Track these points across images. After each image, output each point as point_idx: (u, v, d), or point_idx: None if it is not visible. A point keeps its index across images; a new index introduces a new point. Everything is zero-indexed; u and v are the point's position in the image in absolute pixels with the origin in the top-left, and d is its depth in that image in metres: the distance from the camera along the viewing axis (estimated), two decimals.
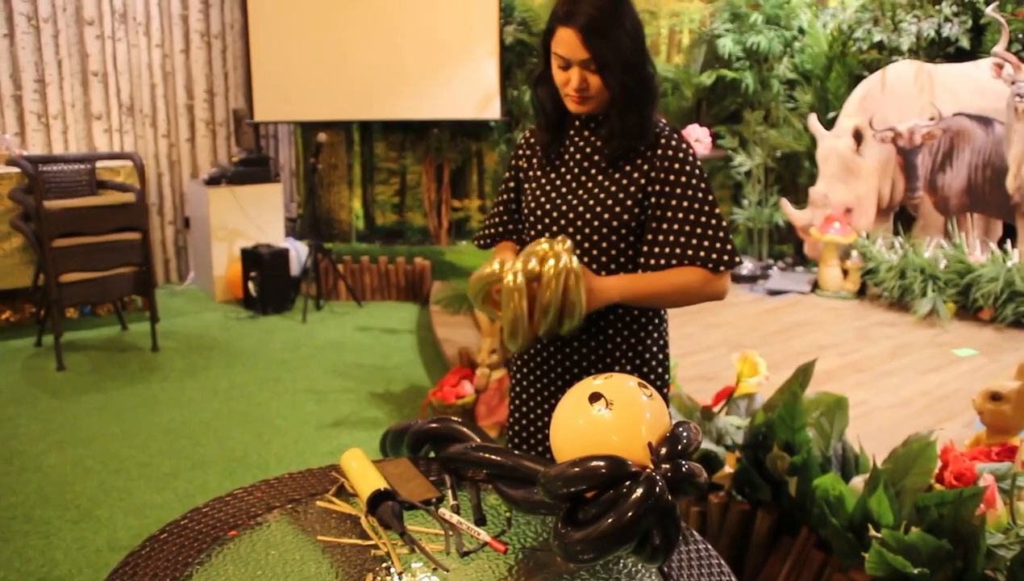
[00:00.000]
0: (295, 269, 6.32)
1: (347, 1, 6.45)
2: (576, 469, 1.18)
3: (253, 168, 6.45)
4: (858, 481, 2.39)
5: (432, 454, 1.71)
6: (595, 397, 1.24)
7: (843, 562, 2.24)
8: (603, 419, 1.22)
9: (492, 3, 6.49)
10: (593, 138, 1.85)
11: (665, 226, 1.78)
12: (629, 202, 1.79)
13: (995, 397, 2.66)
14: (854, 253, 5.85)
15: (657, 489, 1.12)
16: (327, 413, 4.31)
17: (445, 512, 1.44)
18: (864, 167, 5.93)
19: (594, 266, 1.81)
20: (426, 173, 7.18)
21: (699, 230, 1.77)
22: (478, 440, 1.62)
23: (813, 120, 6.10)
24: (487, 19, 6.51)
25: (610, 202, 1.80)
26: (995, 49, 5.26)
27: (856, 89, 6.07)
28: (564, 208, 1.83)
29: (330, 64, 6.50)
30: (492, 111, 6.67)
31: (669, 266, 1.78)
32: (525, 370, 1.96)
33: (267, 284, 6.06)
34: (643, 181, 1.79)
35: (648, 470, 1.16)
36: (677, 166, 1.79)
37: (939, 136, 5.65)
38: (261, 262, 6.02)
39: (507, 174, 2.02)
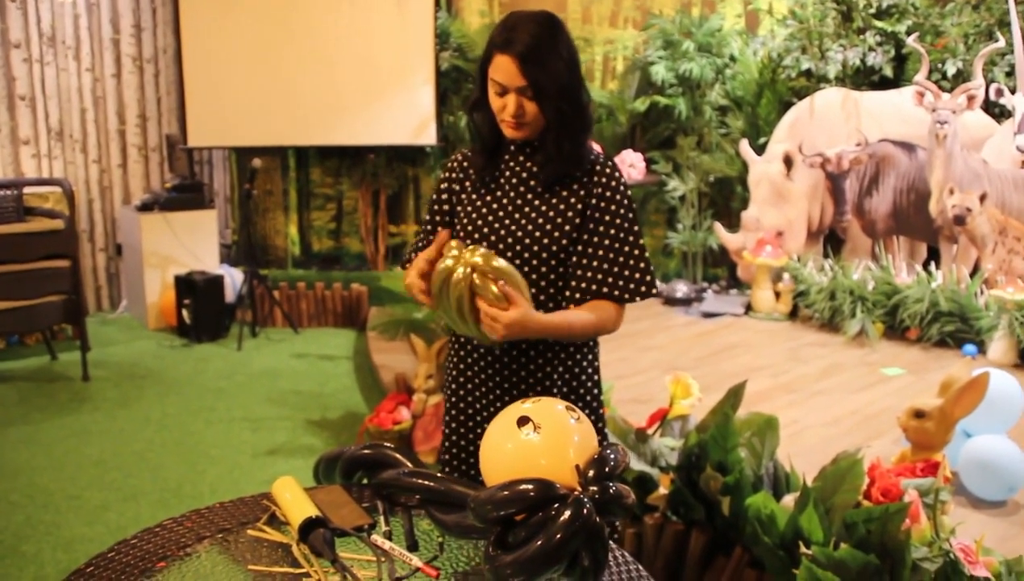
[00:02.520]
0: (230, 296, 6.24)
1: (283, 26, 6.43)
2: (505, 493, 1.19)
3: (187, 194, 6.36)
4: (789, 499, 2.44)
5: (364, 480, 1.70)
6: (523, 421, 1.25)
7: (776, 579, 2.27)
8: (531, 443, 1.23)
9: (428, 29, 6.53)
10: (529, 164, 1.87)
11: (591, 251, 1.82)
12: (567, 227, 1.82)
13: (918, 415, 2.73)
14: (786, 276, 5.97)
15: (585, 511, 1.14)
16: (263, 441, 4.25)
17: (377, 538, 1.43)
18: (794, 191, 6.07)
19: (532, 289, 1.82)
20: (362, 199, 7.16)
21: (620, 260, 1.82)
22: (410, 466, 1.62)
23: (744, 145, 6.23)
24: (423, 45, 6.55)
25: (548, 227, 1.82)
26: (916, 78, 5.44)
27: (786, 115, 6.23)
28: (502, 232, 1.85)
29: (265, 89, 6.46)
30: (428, 137, 6.69)
31: (587, 292, 1.82)
32: (461, 393, 1.96)
33: (201, 311, 5.97)
34: (579, 206, 1.82)
35: (576, 492, 1.17)
36: (609, 194, 1.83)
37: (865, 161, 5.81)
38: (195, 289, 5.94)
39: (436, 196, 2.01)
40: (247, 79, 6.43)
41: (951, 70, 5.72)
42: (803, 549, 2.13)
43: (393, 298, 6.26)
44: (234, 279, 6.36)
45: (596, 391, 1.96)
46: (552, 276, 1.84)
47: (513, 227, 1.85)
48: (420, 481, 1.54)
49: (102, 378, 5.14)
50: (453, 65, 6.76)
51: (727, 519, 2.52)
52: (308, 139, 6.69)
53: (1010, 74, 5.65)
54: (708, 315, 6.07)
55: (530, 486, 1.17)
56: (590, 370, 1.94)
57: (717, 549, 2.57)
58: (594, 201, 1.82)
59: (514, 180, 1.89)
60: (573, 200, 1.83)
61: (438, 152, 6.93)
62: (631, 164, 6.49)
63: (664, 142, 6.90)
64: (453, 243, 1.70)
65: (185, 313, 5.98)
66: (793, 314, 5.94)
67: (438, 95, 6.61)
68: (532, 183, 1.87)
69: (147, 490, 3.70)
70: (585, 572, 1.18)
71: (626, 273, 1.82)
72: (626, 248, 1.83)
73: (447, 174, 2.00)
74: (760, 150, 6.27)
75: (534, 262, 1.83)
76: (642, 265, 1.83)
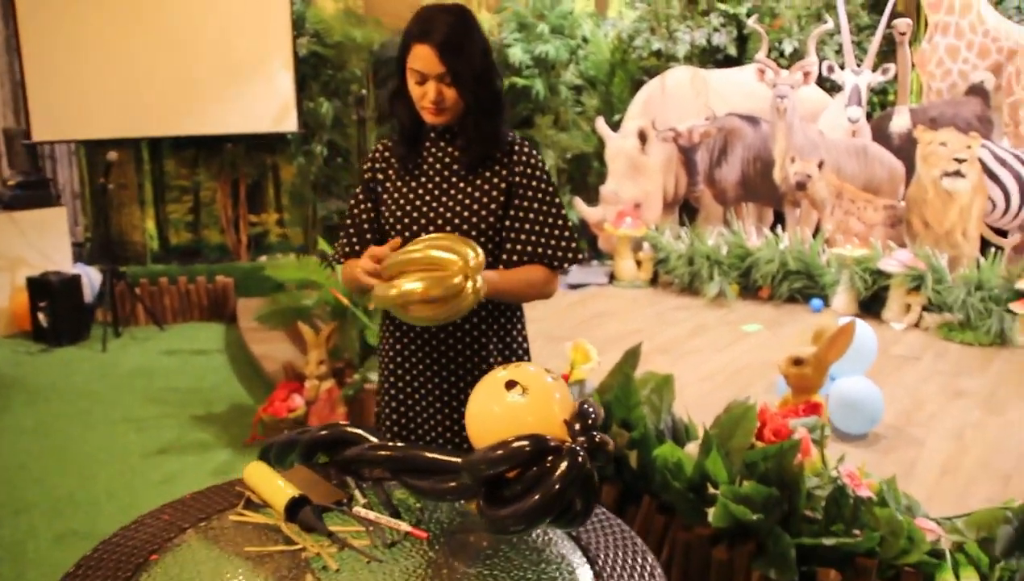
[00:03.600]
0: (88, 296, 6.01)
1: (132, 11, 6.20)
2: (499, 451, 1.30)
3: (32, 192, 6.07)
4: (692, 447, 2.65)
5: (323, 460, 1.77)
6: (511, 385, 1.36)
7: (687, 521, 2.48)
8: (519, 404, 1.35)
9: (284, 14, 6.44)
10: (450, 149, 1.97)
11: (518, 225, 1.95)
12: (493, 206, 1.93)
13: (797, 362, 3.01)
14: (645, 245, 6.28)
15: (579, 459, 1.26)
16: (150, 441, 4.17)
17: (360, 510, 1.52)
18: (649, 165, 6.38)
19: None
20: (221, 189, 7.02)
21: (547, 230, 1.95)
22: (373, 440, 1.70)
23: (600, 123, 6.49)
24: (279, 31, 6.46)
25: (476, 207, 1.93)
26: (757, 56, 5.84)
27: (638, 93, 6.53)
28: (431, 215, 1.94)
29: (115, 78, 6.22)
30: (288, 124, 6.63)
31: (522, 263, 1.94)
32: (399, 372, 2.04)
33: (59, 314, 5.73)
34: (503, 185, 1.94)
35: (568, 443, 1.30)
36: (530, 172, 1.95)
37: (714, 134, 6.18)
38: (51, 291, 5.69)
39: (360, 188, 2.08)
40: (95, 68, 6.17)
41: (788, 49, 6.16)
42: (712, 489, 2.34)
43: (264, 288, 6.17)
44: (91, 278, 6.12)
45: (527, 359, 2.09)
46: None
47: (441, 209, 1.94)
48: (388, 453, 1.62)
49: None
50: (311, 51, 6.70)
51: (634, 471, 2.71)
52: (162, 129, 6.49)
53: (839, 52, 6.14)
54: (574, 286, 6.31)
55: (525, 442, 1.28)
56: (520, 339, 2.07)
57: (627, 501, 2.75)
58: (516, 178, 1.94)
59: (437, 165, 1.98)
60: (496, 180, 1.94)
61: (299, 139, 6.87)
62: None
63: (523, 122, 7.08)
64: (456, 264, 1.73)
65: (42, 316, 5.72)
66: (654, 281, 6.26)
67: (297, 81, 6.54)
68: (455, 167, 1.97)
69: (37, 502, 3.57)
70: (575, 516, 1.31)
71: (553, 242, 1.95)
72: (550, 219, 1.95)
73: (369, 164, 2.07)
74: (615, 127, 6.55)
75: None
76: (567, 233, 1.97)
